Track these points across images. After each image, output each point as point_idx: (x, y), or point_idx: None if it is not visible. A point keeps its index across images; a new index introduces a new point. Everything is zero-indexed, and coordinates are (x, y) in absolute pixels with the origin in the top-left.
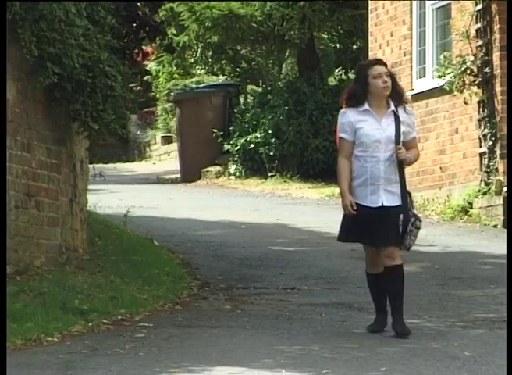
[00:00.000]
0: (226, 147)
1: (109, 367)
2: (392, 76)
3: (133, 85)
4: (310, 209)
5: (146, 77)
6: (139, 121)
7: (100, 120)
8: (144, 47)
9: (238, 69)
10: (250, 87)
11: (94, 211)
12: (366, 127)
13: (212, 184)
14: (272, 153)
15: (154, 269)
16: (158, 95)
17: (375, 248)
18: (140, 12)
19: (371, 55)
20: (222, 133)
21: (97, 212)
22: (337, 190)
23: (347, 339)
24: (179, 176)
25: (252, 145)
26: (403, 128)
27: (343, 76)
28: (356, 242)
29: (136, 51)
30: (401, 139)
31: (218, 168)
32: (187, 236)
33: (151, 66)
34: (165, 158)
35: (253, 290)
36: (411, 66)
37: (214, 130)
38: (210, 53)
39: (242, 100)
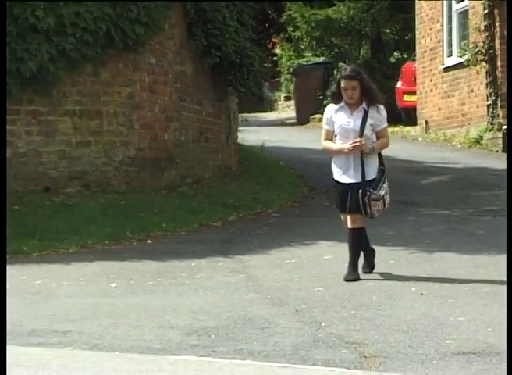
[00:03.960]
0: (324, 102)
1: (252, 242)
2: (362, 85)
3: (265, 64)
4: None
5: (274, 58)
6: (270, 86)
7: (245, 86)
8: (273, 39)
9: (332, 53)
10: (340, 64)
11: (242, 143)
12: (340, 120)
13: (316, 126)
14: None
15: (280, 180)
16: (281, 70)
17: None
18: (270, 17)
19: (417, 43)
20: (322, 93)
21: (244, 144)
22: (395, 129)
23: (401, 218)
24: (295, 121)
25: None
26: (371, 121)
27: (399, 57)
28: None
29: (268, 41)
30: (369, 130)
31: (319, 115)
32: (302, 159)
33: (277, 51)
34: (286, 109)
35: None
36: (443, 49)
37: (317, 91)
38: (314, 42)
39: (335, 72)
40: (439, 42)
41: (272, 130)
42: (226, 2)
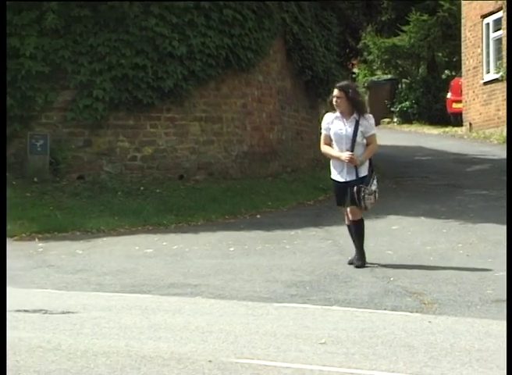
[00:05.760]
0: (392, 109)
1: (337, 216)
2: (347, 96)
3: (346, 80)
4: (434, 138)
5: (353, 76)
6: None
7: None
8: (352, 61)
9: (397, 71)
10: (403, 79)
11: None
12: (335, 127)
13: (384, 128)
14: (414, 111)
15: None
16: (358, 85)
17: (345, 208)
18: (349, 44)
19: (463, 64)
20: (390, 102)
21: None
22: (446, 129)
23: (451, 197)
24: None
25: (405, 108)
26: (361, 128)
27: (449, 74)
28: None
29: (348, 63)
30: (360, 136)
31: (387, 119)
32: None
33: (355, 70)
34: None
35: (407, 178)
36: (483, 68)
37: (386, 101)
38: (383, 63)
39: (399, 86)
40: (479, 62)
41: None
42: (317, 33)
